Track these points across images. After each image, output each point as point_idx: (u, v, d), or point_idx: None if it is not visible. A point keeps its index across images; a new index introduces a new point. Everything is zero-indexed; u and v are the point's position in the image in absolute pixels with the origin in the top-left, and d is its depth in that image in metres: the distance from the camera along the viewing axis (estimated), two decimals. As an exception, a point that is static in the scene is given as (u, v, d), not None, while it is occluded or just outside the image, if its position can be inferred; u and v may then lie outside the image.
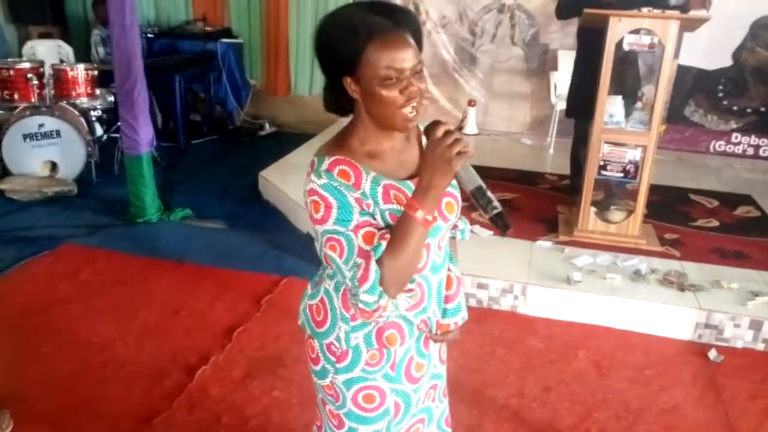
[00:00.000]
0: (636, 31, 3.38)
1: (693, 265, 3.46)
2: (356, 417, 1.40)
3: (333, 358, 1.37)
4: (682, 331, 3.06)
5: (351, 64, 1.17)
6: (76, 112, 4.82)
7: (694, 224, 4.10)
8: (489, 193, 1.18)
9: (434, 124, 1.18)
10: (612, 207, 3.81)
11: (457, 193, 1.34)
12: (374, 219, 1.22)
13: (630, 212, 3.68)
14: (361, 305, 1.21)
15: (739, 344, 3.01)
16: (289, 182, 4.57)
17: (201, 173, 5.23)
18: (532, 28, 5.89)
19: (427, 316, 1.37)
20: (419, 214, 1.16)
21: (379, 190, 1.22)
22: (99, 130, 5.09)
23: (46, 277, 3.47)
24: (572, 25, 4.60)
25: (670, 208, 4.26)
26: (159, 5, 6.66)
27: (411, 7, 6.04)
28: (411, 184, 1.25)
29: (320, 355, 1.39)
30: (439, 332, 1.43)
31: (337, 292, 1.34)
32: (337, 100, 1.26)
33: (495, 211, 1.17)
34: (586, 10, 3.46)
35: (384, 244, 1.18)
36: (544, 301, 3.20)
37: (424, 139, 1.33)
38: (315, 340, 1.39)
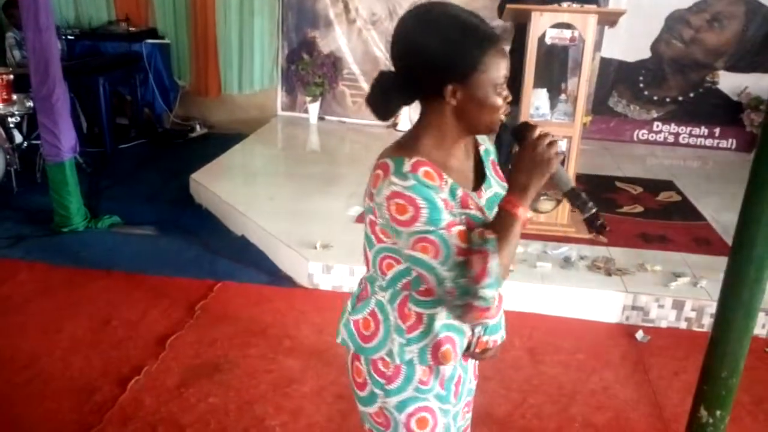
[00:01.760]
0: (558, 26, 3.48)
1: (619, 250, 3.59)
2: None
3: (382, 380, 1.30)
4: (611, 314, 3.18)
5: (465, 71, 1.15)
6: (-8, 119, 4.59)
7: (620, 211, 4.25)
8: (583, 195, 1.20)
9: (527, 126, 1.20)
10: (541, 197, 3.91)
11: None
12: (459, 220, 1.19)
13: (558, 202, 3.78)
14: (478, 302, 1.12)
15: (664, 324, 3.15)
16: (222, 184, 4.50)
17: (129, 178, 5.07)
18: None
19: (474, 330, 1.32)
20: (521, 211, 1.17)
21: (459, 194, 1.21)
22: (18, 137, 4.86)
23: (-36, 293, 3.30)
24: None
25: (597, 196, 4.39)
26: (79, 6, 6.41)
27: (339, 4, 6.04)
28: (475, 195, 1.26)
29: (367, 378, 1.32)
30: (478, 350, 1.36)
31: (392, 302, 1.27)
32: (393, 106, 1.22)
33: (591, 212, 1.20)
34: (509, 6, 3.53)
35: (494, 238, 1.14)
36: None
37: (482, 148, 1.35)
38: (361, 361, 1.32)
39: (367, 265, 1.32)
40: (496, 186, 1.32)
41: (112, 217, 4.13)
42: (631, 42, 5.68)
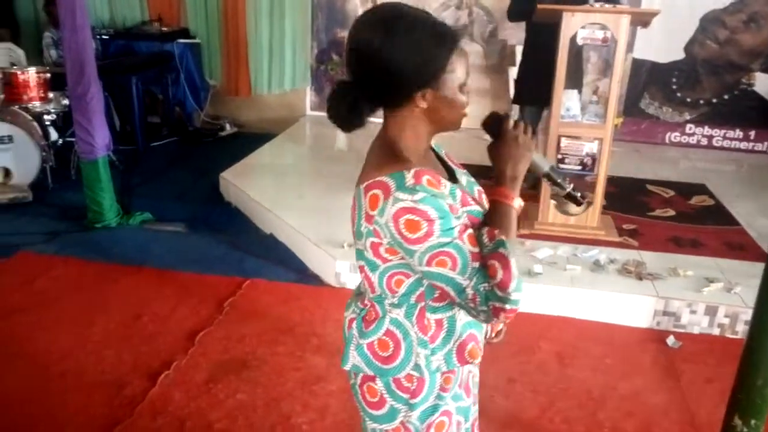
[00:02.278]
0: (589, 26, 3.44)
1: (651, 254, 3.54)
2: None
3: (406, 395, 1.26)
4: (641, 319, 3.13)
5: (436, 73, 1.14)
6: (29, 117, 4.69)
7: (651, 214, 4.19)
8: (560, 170, 1.25)
9: (499, 117, 1.23)
10: (571, 199, 3.87)
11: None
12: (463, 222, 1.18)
13: (588, 204, 3.74)
14: (509, 305, 1.12)
15: (696, 330, 3.10)
16: (252, 183, 4.54)
17: (160, 176, 5.15)
18: (491, 24, 5.95)
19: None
20: (516, 202, 1.21)
21: (458, 193, 1.21)
22: (54, 135, 4.95)
23: (2, 286, 3.37)
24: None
25: (627, 199, 4.35)
26: (113, 6, 6.52)
27: (369, 4, 6.06)
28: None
29: (386, 396, 1.28)
30: (493, 334, 1.43)
31: (410, 317, 1.24)
32: (364, 117, 1.19)
33: (571, 186, 1.25)
34: (540, 6, 3.50)
35: (503, 238, 1.14)
36: (506, 294, 3.23)
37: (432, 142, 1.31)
38: (378, 381, 1.27)
39: (371, 287, 1.25)
40: (462, 175, 1.34)
41: (143, 213, 4.20)
42: (664, 43, 5.59)
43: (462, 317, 1.25)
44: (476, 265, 1.12)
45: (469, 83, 1.22)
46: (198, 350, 2.84)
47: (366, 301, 1.29)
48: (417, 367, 1.24)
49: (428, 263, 1.12)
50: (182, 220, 4.20)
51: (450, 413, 1.32)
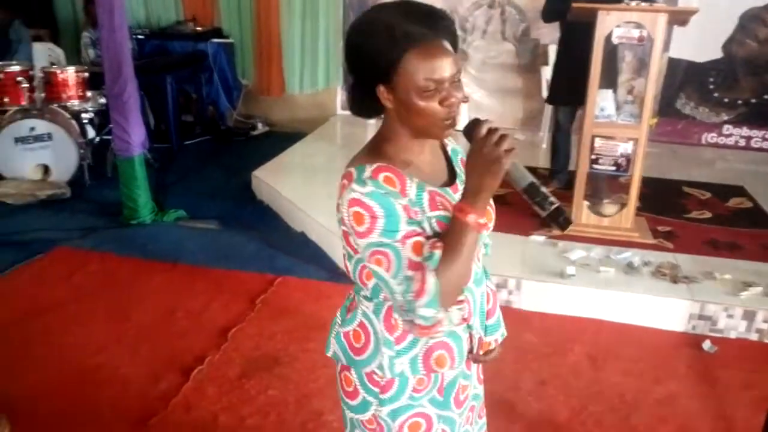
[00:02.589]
0: (625, 24, 3.39)
1: (686, 257, 3.48)
2: None
3: (376, 389, 1.25)
4: (676, 323, 3.08)
5: (386, 72, 1.11)
6: (68, 115, 4.80)
7: (687, 216, 4.11)
8: (543, 189, 1.11)
9: (475, 123, 1.12)
10: (605, 200, 3.83)
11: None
12: (421, 228, 1.14)
13: (623, 205, 3.69)
14: (418, 320, 1.12)
15: (733, 335, 3.03)
16: (283, 181, 4.58)
17: (194, 174, 5.22)
18: (523, 23, 5.90)
19: (472, 332, 1.29)
20: (471, 218, 1.09)
21: (425, 196, 1.16)
22: (91, 133, 5.06)
23: (40, 280, 3.46)
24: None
25: (662, 201, 4.28)
26: (149, 6, 6.64)
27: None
28: (450, 191, 1.22)
29: (359, 387, 1.28)
30: (481, 352, 1.33)
31: (377, 314, 1.23)
32: (364, 105, 1.21)
33: (553, 207, 1.11)
34: (575, 4, 3.46)
35: (438, 253, 1.10)
36: (538, 295, 3.21)
37: (449, 148, 1.31)
38: (352, 371, 1.28)
39: (350, 276, 1.27)
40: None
41: (177, 210, 4.26)
42: (701, 42, 5.47)
43: None
44: (410, 273, 1.10)
45: (458, 94, 1.13)
46: (230, 346, 2.87)
47: (351, 291, 1.32)
48: (381, 366, 1.23)
49: (368, 259, 1.14)
50: (215, 218, 4.26)
51: (428, 416, 1.28)
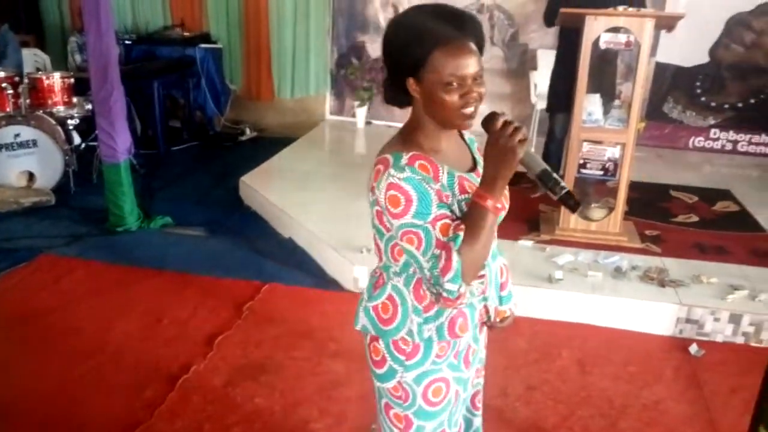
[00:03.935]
0: (612, 30, 3.40)
1: (673, 261, 3.49)
2: (425, 414, 1.42)
3: (402, 356, 1.39)
4: (664, 327, 3.08)
5: (415, 67, 1.25)
6: (53, 121, 4.75)
7: (674, 220, 4.13)
8: (555, 175, 1.24)
9: (492, 117, 1.23)
10: (592, 205, 3.83)
11: None
12: (451, 211, 1.27)
13: (610, 210, 3.70)
14: (445, 294, 1.25)
15: (720, 338, 3.04)
16: (271, 187, 4.56)
17: (181, 180, 5.18)
18: (512, 28, 5.92)
19: (488, 303, 1.45)
20: (489, 203, 1.23)
21: (456, 181, 1.30)
22: (77, 139, 5.02)
23: (24, 288, 3.42)
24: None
25: (650, 205, 4.29)
26: (136, 11, 6.60)
27: (389, 9, 6.06)
28: (474, 176, 1.35)
29: (386, 356, 1.41)
30: (497, 319, 1.52)
31: (407, 286, 1.36)
32: (395, 95, 1.34)
33: (564, 191, 1.23)
34: (562, 10, 3.48)
35: (461, 234, 1.22)
36: (526, 300, 3.20)
37: (466, 137, 1.46)
38: (380, 341, 1.41)
39: (380, 255, 1.41)
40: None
41: (164, 217, 4.23)
42: (688, 46, 5.51)
43: None
44: (437, 251, 1.24)
45: (479, 90, 1.25)
46: (217, 354, 2.84)
47: (377, 269, 1.44)
48: (410, 332, 1.37)
49: (401, 237, 1.28)
50: (202, 224, 4.23)
51: (447, 380, 1.42)
